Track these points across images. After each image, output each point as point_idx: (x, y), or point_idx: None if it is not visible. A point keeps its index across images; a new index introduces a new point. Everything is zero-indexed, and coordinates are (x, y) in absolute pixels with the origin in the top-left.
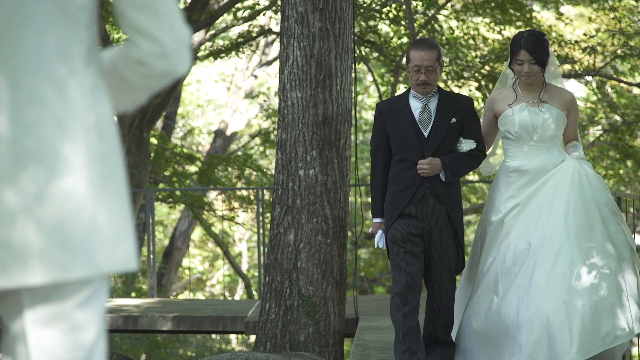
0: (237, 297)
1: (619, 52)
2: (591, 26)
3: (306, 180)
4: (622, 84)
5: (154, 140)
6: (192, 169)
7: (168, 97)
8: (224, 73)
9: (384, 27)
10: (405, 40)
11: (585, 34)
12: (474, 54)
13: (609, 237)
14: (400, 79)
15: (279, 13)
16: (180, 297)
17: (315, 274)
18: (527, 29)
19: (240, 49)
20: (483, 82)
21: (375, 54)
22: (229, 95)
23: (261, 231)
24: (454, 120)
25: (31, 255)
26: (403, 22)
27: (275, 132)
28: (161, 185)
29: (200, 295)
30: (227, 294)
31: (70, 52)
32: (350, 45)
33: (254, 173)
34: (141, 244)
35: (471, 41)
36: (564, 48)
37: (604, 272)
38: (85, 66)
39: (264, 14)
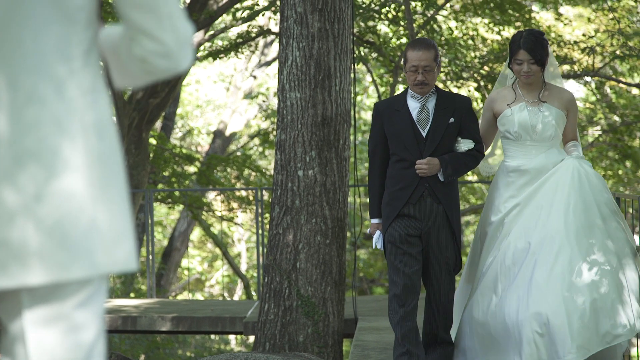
0: (236, 298)
1: (618, 52)
2: (590, 27)
3: (305, 181)
4: (621, 85)
5: (153, 141)
6: (191, 169)
7: (167, 98)
8: (223, 73)
9: (383, 28)
10: (404, 40)
11: (584, 35)
12: (473, 54)
13: (609, 235)
14: (400, 79)
15: (278, 13)
16: (179, 297)
17: (314, 275)
18: (526, 28)
19: (240, 50)
20: (482, 83)
21: (374, 55)
22: (228, 96)
23: (260, 232)
24: (452, 120)
25: (30, 255)
26: (402, 23)
27: (275, 132)
28: (160, 186)
29: (199, 296)
30: (226, 294)
31: (70, 52)
32: (349, 45)
33: (253, 173)
34: (140, 244)
35: (470, 42)
36: (563, 48)
37: (605, 269)
38: (85, 66)
39: (263, 15)
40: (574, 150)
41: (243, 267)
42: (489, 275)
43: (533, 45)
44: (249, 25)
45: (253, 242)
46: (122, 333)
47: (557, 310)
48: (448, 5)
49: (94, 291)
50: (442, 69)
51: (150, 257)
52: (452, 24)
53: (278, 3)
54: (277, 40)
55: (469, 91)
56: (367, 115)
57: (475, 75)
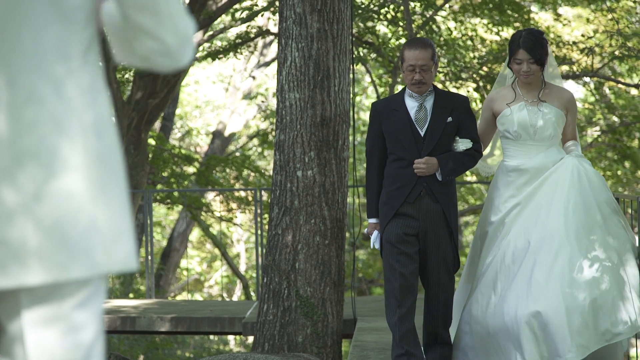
0: (235, 298)
1: (616, 53)
2: (589, 27)
3: (304, 181)
4: (620, 85)
5: (152, 141)
6: (190, 170)
7: (166, 98)
8: (222, 74)
9: (382, 28)
10: (403, 41)
11: (583, 35)
12: (472, 55)
13: (609, 232)
14: (398, 80)
15: (277, 14)
16: (178, 298)
17: (313, 275)
18: (526, 28)
19: (239, 50)
20: (481, 83)
21: (373, 55)
22: (227, 96)
23: (259, 232)
24: (450, 119)
25: (30, 254)
26: (401, 23)
27: (274, 133)
28: (159, 186)
29: (198, 296)
30: (225, 295)
31: (68, 52)
32: (348, 46)
33: (252, 174)
34: (139, 245)
35: (469, 42)
36: (562, 49)
37: (605, 266)
38: (83, 66)
39: (262, 15)
40: (573, 150)
41: (242, 268)
42: (488, 274)
43: (532, 45)
44: (248, 26)
45: (252, 242)
46: (121, 333)
47: (557, 308)
48: (447, 5)
49: (93, 291)
50: (441, 70)
51: (149, 257)
52: (451, 24)
53: (277, 3)
54: (276, 40)
55: (468, 91)
56: (366, 116)
57: (474, 75)
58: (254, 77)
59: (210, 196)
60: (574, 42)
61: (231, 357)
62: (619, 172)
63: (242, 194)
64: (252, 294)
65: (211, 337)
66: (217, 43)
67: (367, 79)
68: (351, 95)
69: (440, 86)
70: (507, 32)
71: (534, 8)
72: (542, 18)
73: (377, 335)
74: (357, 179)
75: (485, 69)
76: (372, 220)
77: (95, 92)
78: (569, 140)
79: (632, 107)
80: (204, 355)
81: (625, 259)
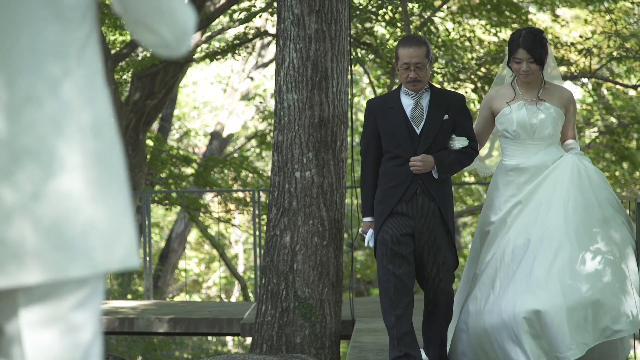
0: (233, 299)
1: (614, 54)
2: (587, 28)
3: (302, 182)
4: (618, 86)
5: (150, 142)
6: (189, 170)
7: (164, 99)
8: (220, 75)
9: (380, 29)
10: None
11: (581, 36)
12: (470, 55)
13: (609, 229)
14: (396, 80)
15: (275, 15)
16: (177, 299)
17: (311, 276)
18: (525, 27)
19: (237, 51)
20: (479, 84)
21: (371, 56)
22: (225, 97)
23: (257, 233)
24: (446, 117)
25: (28, 254)
26: (399, 24)
27: (272, 134)
28: (157, 187)
29: (196, 298)
30: (223, 296)
31: (65, 51)
32: (346, 47)
33: (250, 175)
34: (137, 245)
35: (467, 43)
36: (559, 50)
37: (607, 262)
38: (80, 65)
39: (260, 16)
40: (573, 148)
41: (240, 269)
42: (487, 273)
43: (532, 44)
44: (246, 27)
45: (250, 243)
46: (119, 334)
47: (557, 306)
48: (445, 6)
49: (91, 292)
50: (439, 71)
51: (148, 258)
52: (449, 25)
53: (275, 4)
54: (274, 41)
55: (466, 92)
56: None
57: (472, 76)
58: (252, 78)
59: (208, 197)
60: (572, 43)
61: (229, 358)
62: (617, 173)
63: (241, 195)
64: (251, 295)
65: (209, 338)
66: (215, 44)
67: (365, 80)
68: (349, 96)
69: (438, 87)
70: (505, 33)
71: (532, 9)
72: (540, 19)
73: (375, 336)
74: (355, 180)
75: (483, 70)
76: (367, 219)
77: (94, 91)
78: (568, 140)
79: (630, 108)
80: (202, 356)
81: (627, 253)
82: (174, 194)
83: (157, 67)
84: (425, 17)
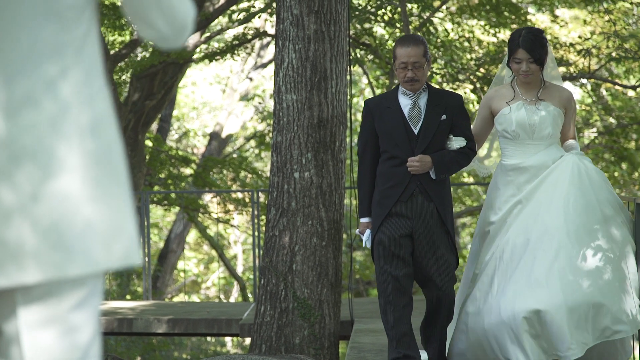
0: (232, 300)
1: (613, 54)
2: (586, 29)
3: (301, 183)
4: (617, 87)
5: (149, 143)
6: (188, 171)
7: (163, 100)
8: (219, 75)
9: (379, 30)
10: None
11: (580, 37)
12: (469, 56)
13: (609, 228)
14: (395, 81)
15: (274, 15)
16: (175, 299)
17: (310, 277)
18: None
19: (236, 52)
20: (478, 85)
21: (370, 57)
22: (224, 98)
23: (256, 234)
24: (444, 117)
25: (27, 254)
26: (398, 25)
27: (271, 134)
28: (156, 188)
29: (195, 298)
30: (222, 296)
31: (62, 51)
32: (345, 47)
33: (249, 175)
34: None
35: (466, 44)
36: (559, 50)
37: (609, 256)
38: (78, 64)
39: (259, 17)
40: (573, 148)
41: (239, 269)
42: (486, 272)
43: (532, 44)
44: (245, 27)
45: (249, 244)
46: (118, 335)
47: (557, 306)
48: (444, 7)
49: (89, 292)
50: (438, 71)
51: (147, 259)
52: (448, 26)
53: (274, 5)
54: (273, 42)
55: (465, 93)
56: None
57: (471, 77)
58: (251, 79)
59: (207, 198)
60: (571, 44)
61: (228, 358)
62: (616, 174)
63: (240, 195)
64: (250, 295)
65: (208, 338)
66: (214, 45)
67: (364, 80)
68: (348, 96)
69: (436, 87)
70: (504, 34)
71: (531, 9)
72: (539, 19)
73: (374, 337)
74: (354, 181)
75: (482, 70)
76: (364, 220)
77: (93, 89)
78: (568, 140)
79: (629, 109)
80: (201, 357)
81: (626, 253)
82: (173, 195)
83: (156, 68)
84: (425, 17)
